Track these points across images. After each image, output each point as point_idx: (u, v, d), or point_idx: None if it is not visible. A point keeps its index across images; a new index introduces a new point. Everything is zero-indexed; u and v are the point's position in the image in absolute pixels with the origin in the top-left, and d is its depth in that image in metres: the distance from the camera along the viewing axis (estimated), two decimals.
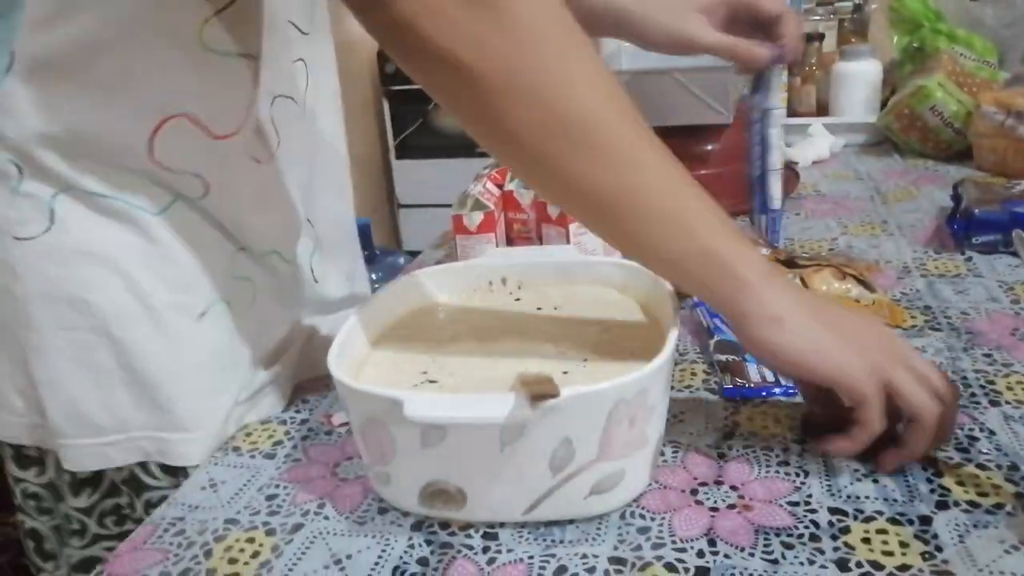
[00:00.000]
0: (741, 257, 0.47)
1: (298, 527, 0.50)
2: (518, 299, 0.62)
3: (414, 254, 1.17)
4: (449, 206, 0.86)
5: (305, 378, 0.68)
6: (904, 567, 0.42)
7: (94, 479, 0.59)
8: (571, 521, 0.48)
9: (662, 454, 0.53)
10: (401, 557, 0.46)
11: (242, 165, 0.58)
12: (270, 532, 0.49)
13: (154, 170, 0.53)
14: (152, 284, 0.55)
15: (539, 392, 0.42)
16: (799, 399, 0.57)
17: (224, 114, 0.55)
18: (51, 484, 0.61)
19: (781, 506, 0.47)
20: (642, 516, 0.48)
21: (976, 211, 0.81)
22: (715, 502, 0.48)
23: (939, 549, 0.43)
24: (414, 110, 3.37)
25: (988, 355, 0.61)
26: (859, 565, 0.42)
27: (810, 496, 0.48)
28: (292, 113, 0.62)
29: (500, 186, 0.90)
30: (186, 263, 0.57)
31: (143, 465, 0.58)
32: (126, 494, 0.59)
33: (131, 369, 0.56)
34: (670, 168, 0.47)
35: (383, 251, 2.37)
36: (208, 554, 0.48)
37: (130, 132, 0.52)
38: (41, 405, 0.57)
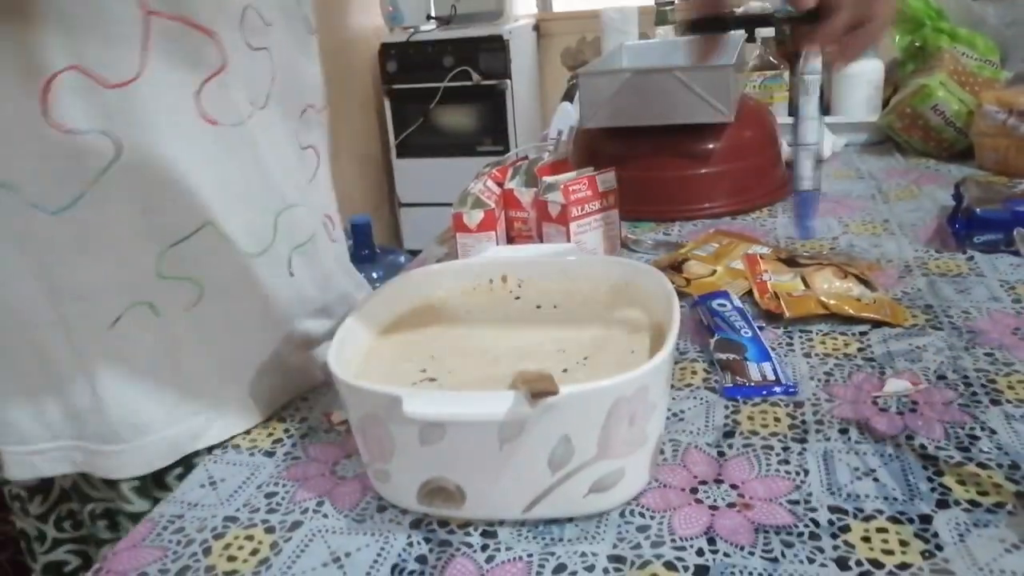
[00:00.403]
0: None
1: (297, 525, 0.50)
2: (518, 297, 0.62)
3: (415, 252, 1.17)
4: (450, 204, 0.86)
5: (293, 390, 0.64)
6: (904, 566, 0.42)
7: (43, 486, 0.57)
8: (570, 519, 0.47)
9: (662, 452, 0.52)
10: (400, 555, 0.46)
11: (177, 124, 0.52)
12: (269, 530, 0.49)
13: (58, 138, 0.48)
14: (57, 290, 0.52)
15: (538, 390, 0.42)
16: (799, 396, 0.57)
17: (110, 58, 0.48)
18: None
19: (781, 505, 0.47)
20: (642, 514, 0.48)
21: (978, 210, 0.80)
22: (715, 501, 0.48)
23: (939, 548, 0.43)
24: (415, 109, 3.37)
25: (989, 354, 0.61)
26: (859, 564, 0.42)
27: (810, 495, 0.48)
28: (261, 88, 0.57)
29: (500, 184, 0.90)
30: (88, 268, 0.52)
31: (84, 475, 0.56)
32: (75, 501, 0.58)
33: (56, 376, 0.54)
34: None
35: (384, 249, 2.37)
36: (207, 551, 0.48)
37: (21, 97, 0.47)
38: None
